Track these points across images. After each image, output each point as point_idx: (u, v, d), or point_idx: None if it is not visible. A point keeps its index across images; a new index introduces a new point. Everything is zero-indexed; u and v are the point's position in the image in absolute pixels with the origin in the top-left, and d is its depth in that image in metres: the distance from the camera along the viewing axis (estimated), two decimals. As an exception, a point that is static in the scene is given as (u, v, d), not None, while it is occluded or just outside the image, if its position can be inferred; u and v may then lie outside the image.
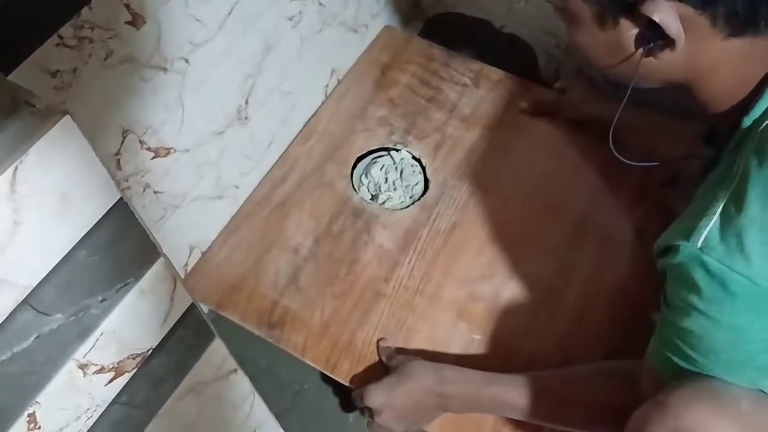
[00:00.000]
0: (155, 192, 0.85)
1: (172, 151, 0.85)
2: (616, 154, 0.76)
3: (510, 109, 1.19)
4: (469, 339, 0.98)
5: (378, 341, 0.97)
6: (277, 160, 1.13)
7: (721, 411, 0.58)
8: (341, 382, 0.95)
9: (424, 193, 1.10)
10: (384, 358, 0.94)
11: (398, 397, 0.86)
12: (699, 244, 0.57)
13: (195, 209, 0.95)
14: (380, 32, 1.28)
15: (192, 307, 0.48)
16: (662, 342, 0.66)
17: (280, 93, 1.05)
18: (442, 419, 0.90)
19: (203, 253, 1.04)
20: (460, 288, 1.02)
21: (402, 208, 1.09)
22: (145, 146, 0.80)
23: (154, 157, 0.82)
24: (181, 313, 0.47)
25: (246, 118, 0.98)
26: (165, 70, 0.78)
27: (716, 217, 0.57)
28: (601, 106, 1.08)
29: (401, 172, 1.10)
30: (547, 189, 1.10)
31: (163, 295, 0.46)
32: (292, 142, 1.14)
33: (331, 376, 0.95)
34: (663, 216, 1.05)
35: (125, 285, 0.43)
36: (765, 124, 0.59)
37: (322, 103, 1.19)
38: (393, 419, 0.87)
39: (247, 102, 0.97)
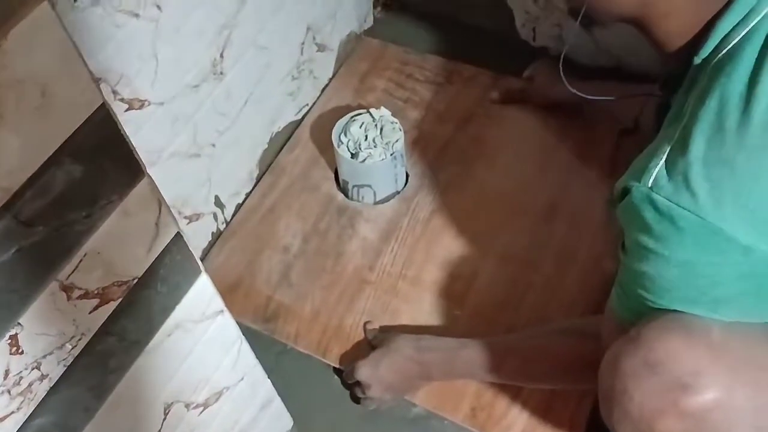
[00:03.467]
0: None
1: (146, 103, 0.83)
2: (570, 88, 0.81)
3: (482, 102, 1.25)
4: (451, 315, 1.04)
5: (365, 324, 1.04)
6: (267, 170, 1.21)
7: (692, 340, 0.59)
8: (332, 364, 1.02)
9: (405, 184, 1.17)
10: (370, 338, 1.01)
11: (383, 369, 0.93)
12: (649, 183, 0.58)
13: (171, 166, 0.92)
14: (358, 43, 1.36)
15: (178, 237, 0.48)
16: (622, 288, 0.68)
17: (255, 47, 1.03)
18: (428, 389, 0.96)
19: (201, 261, 1.12)
20: (440, 270, 1.08)
21: (383, 202, 1.15)
22: (118, 97, 0.78)
23: (128, 109, 0.80)
24: (166, 242, 0.47)
25: (221, 72, 0.96)
26: (137, 16, 0.76)
27: (665, 156, 0.58)
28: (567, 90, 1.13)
29: (381, 129, 1.09)
30: (521, 171, 1.16)
31: (147, 220, 0.45)
32: (279, 152, 1.23)
33: (323, 360, 1.03)
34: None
35: (110, 202, 0.42)
36: (713, 62, 0.60)
37: (306, 114, 1.27)
38: (381, 391, 0.94)
39: (222, 55, 0.94)
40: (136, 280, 0.46)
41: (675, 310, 0.62)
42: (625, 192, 0.62)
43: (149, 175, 0.45)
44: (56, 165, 0.39)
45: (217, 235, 1.14)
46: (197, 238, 1.09)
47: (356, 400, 0.99)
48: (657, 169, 0.58)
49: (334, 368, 1.03)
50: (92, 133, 0.40)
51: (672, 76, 0.70)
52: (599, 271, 1.04)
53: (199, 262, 0.51)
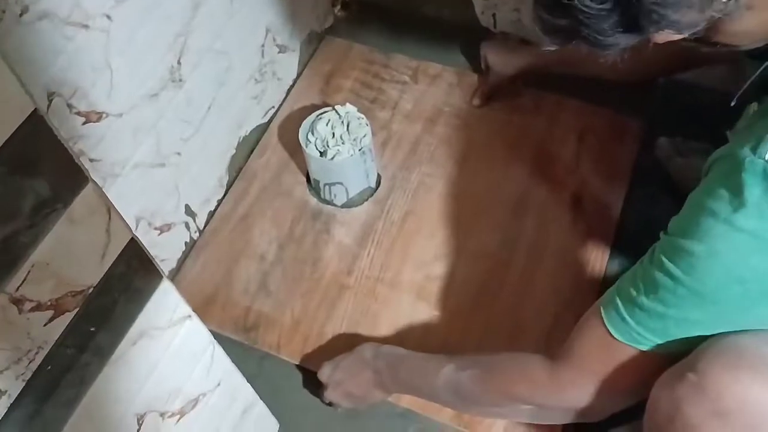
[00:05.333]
0: (91, 160, 0.82)
1: (104, 115, 0.82)
2: None
3: (449, 100, 1.26)
4: (429, 316, 1.04)
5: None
6: (237, 176, 1.20)
7: (761, 380, 0.56)
8: (315, 371, 1.01)
9: (377, 187, 1.16)
10: None
11: (341, 371, 0.92)
12: (766, 157, 0.54)
13: (136, 178, 0.91)
14: (322, 44, 1.36)
15: (132, 243, 0.47)
16: (649, 301, 0.63)
17: (213, 52, 1.02)
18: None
19: (175, 272, 1.11)
20: (416, 271, 1.08)
21: (356, 199, 1.15)
22: (74, 110, 0.77)
23: (85, 122, 0.79)
24: (120, 248, 0.46)
25: (180, 79, 0.95)
26: (87, 27, 0.75)
27: None
28: (523, 54, 1.15)
29: (347, 125, 1.09)
30: (489, 169, 1.17)
31: (96, 226, 0.44)
32: (249, 156, 1.22)
33: (306, 367, 1.02)
34: (596, 184, 1.12)
35: (53, 211, 0.41)
36: None
37: (273, 117, 1.26)
38: (338, 395, 0.92)
39: (179, 62, 0.94)
40: (91, 289, 0.44)
41: (726, 336, 0.59)
42: (721, 160, 0.58)
43: (94, 181, 0.44)
44: (-9, 176, 0.38)
45: (190, 245, 1.12)
46: (170, 249, 1.08)
47: (325, 403, 0.98)
48: None
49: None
50: (26, 141, 0.39)
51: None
52: (569, 266, 1.06)
53: (160, 267, 0.50)
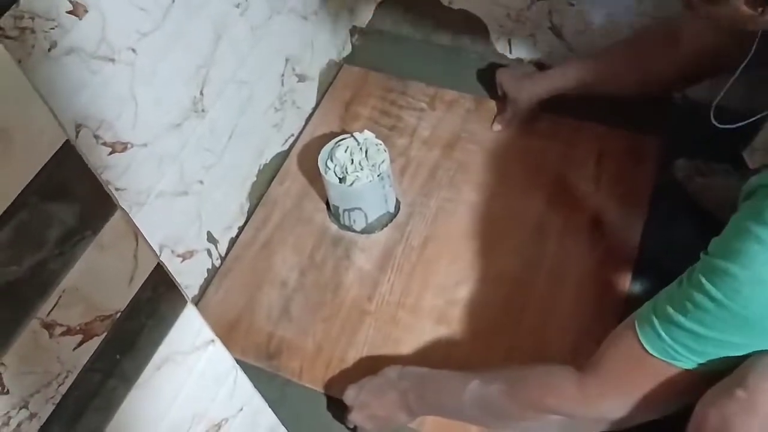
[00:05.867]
0: (117, 189, 0.84)
1: (129, 145, 0.84)
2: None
3: (466, 126, 1.27)
4: (451, 342, 1.04)
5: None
6: (258, 203, 1.22)
7: None
8: (339, 398, 1.01)
9: (396, 212, 1.17)
10: None
11: (366, 393, 0.92)
12: None
13: (160, 206, 0.93)
14: (340, 72, 1.38)
15: (159, 268, 0.48)
16: (689, 320, 0.62)
17: (235, 83, 1.04)
18: (434, 421, 0.95)
19: (197, 299, 1.12)
20: (437, 296, 1.09)
21: (375, 224, 1.16)
22: (100, 141, 0.79)
23: (111, 153, 0.81)
24: (147, 274, 0.47)
25: (203, 110, 0.97)
26: (113, 60, 0.77)
27: None
28: (538, 80, 1.17)
29: (366, 151, 1.10)
30: (507, 193, 1.17)
31: (124, 252, 0.45)
32: (270, 184, 1.23)
33: (328, 394, 1.02)
34: (615, 206, 1.12)
35: (83, 238, 0.42)
36: None
37: (293, 145, 1.28)
38: (363, 417, 0.92)
39: (202, 93, 0.96)
40: (119, 314, 0.45)
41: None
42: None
43: (123, 208, 0.45)
44: (24, 206, 0.40)
45: (213, 272, 1.14)
46: (192, 276, 1.09)
47: (349, 429, 0.97)
48: None
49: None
50: (58, 171, 0.41)
51: None
52: (590, 288, 1.05)
53: (184, 292, 0.51)
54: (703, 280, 0.61)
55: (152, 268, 0.47)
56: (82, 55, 0.73)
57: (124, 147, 0.83)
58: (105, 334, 0.45)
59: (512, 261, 1.10)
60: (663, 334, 0.64)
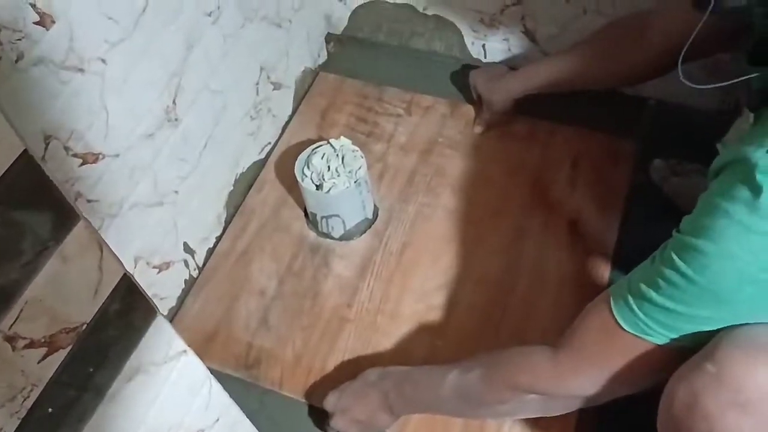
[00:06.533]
0: (89, 201, 0.83)
1: (100, 156, 0.83)
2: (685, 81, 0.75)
3: (443, 130, 1.27)
4: (432, 346, 1.04)
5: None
6: (235, 212, 1.21)
7: None
8: (319, 407, 1.00)
9: (374, 219, 1.17)
10: None
11: (347, 397, 0.91)
12: None
13: (134, 217, 0.92)
14: (316, 80, 1.38)
15: (125, 279, 0.48)
16: (660, 295, 0.63)
17: (208, 91, 1.03)
18: (416, 422, 0.95)
19: (175, 311, 1.10)
20: (417, 301, 1.08)
21: (355, 238, 1.15)
22: (71, 152, 0.78)
23: (82, 164, 0.80)
24: (113, 285, 0.47)
25: (176, 119, 0.96)
26: (82, 71, 0.76)
27: None
28: (511, 80, 1.17)
29: (342, 158, 1.10)
30: (485, 197, 1.18)
31: (89, 263, 0.45)
32: (247, 193, 1.22)
33: (309, 403, 1.01)
34: (592, 208, 1.13)
35: (45, 249, 0.42)
36: None
37: (269, 153, 1.27)
38: (344, 422, 0.91)
39: (174, 102, 0.95)
40: (85, 326, 0.45)
41: (744, 327, 0.59)
42: (733, 163, 0.58)
43: (86, 219, 0.44)
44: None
45: (190, 282, 1.13)
46: (169, 287, 1.08)
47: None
48: None
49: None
50: (17, 181, 0.40)
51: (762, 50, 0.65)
52: (570, 289, 1.05)
53: (153, 303, 0.50)
54: (674, 257, 0.61)
55: (118, 279, 0.46)
56: (51, 65, 0.72)
57: (96, 158, 0.82)
58: (71, 346, 0.44)
59: (492, 264, 1.10)
60: (636, 309, 0.65)
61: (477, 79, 1.22)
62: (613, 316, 0.67)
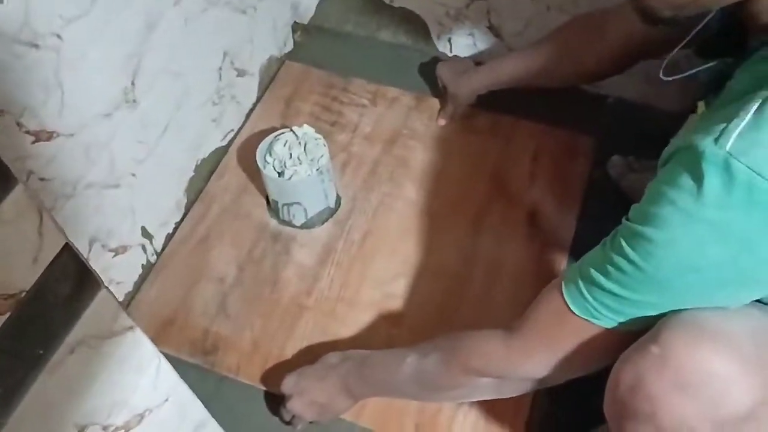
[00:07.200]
0: (41, 179, 0.81)
1: (54, 134, 0.81)
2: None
3: (407, 122, 1.28)
4: (389, 335, 1.04)
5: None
6: (196, 198, 1.20)
7: (722, 351, 0.57)
8: (276, 393, 1.00)
9: (336, 208, 1.17)
10: None
11: (305, 379, 0.91)
12: (727, 148, 0.53)
13: (89, 198, 0.90)
14: (282, 68, 1.37)
15: (68, 249, 0.46)
16: (601, 260, 0.64)
17: (169, 74, 1.02)
18: (371, 409, 0.96)
19: (132, 295, 1.09)
20: (376, 290, 1.09)
21: (315, 219, 1.15)
22: (23, 129, 0.76)
23: (35, 141, 0.78)
24: (54, 253, 0.45)
25: (134, 100, 0.95)
26: (36, 46, 0.75)
27: (747, 123, 0.54)
28: (476, 74, 1.18)
29: (305, 145, 1.09)
30: (447, 189, 1.19)
31: (27, 229, 0.43)
32: (209, 179, 1.22)
33: (266, 389, 1.01)
34: (550, 201, 1.15)
35: None
36: None
37: (232, 140, 1.27)
38: (301, 404, 0.91)
39: (133, 83, 0.93)
40: (24, 293, 0.44)
41: (692, 310, 0.61)
42: (680, 151, 0.59)
43: (24, 183, 0.43)
44: None
45: (148, 268, 1.11)
46: (126, 272, 1.06)
47: (284, 421, 0.96)
48: (737, 133, 0.54)
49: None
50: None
51: (711, 43, 0.67)
52: (526, 281, 1.07)
53: (97, 274, 0.49)
54: (623, 243, 0.62)
55: (60, 248, 0.45)
56: (4, 38, 0.70)
57: (50, 136, 0.80)
58: (9, 313, 0.43)
59: (450, 255, 1.11)
60: (585, 293, 0.66)
61: (443, 72, 1.23)
62: (564, 300, 0.68)
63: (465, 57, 1.34)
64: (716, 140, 0.54)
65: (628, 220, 0.64)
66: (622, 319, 0.65)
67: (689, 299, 0.62)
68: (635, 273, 0.61)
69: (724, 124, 0.55)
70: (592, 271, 0.65)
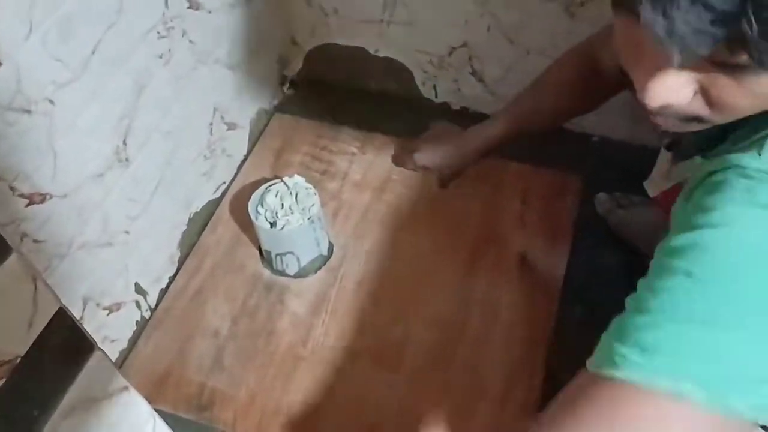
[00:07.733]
0: (35, 241, 0.82)
1: (48, 196, 0.82)
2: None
3: (396, 168, 1.29)
4: (387, 381, 1.04)
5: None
6: (189, 252, 1.20)
7: None
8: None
9: (329, 255, 1.18)
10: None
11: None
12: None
13: (83, 257, 0.91)
14: (271, 120, 1.39)
15: (61, 313, 0.47)
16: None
17: (160, 132, 1.04)
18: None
19: (126, 352, 1.09)
20: (372, 337, 1.09)
21: (310, 275, 1.16)
22: (17, 193, 0.77)
23: (28, 204, 0.79)
24: (48, 318, 0.46)
25: (126, 159, 0.96)
26: (29, 112, 0.77)
27: None
28: (454, 154, 1.07)
29: (296, 195, 1.10)
30: (438, 233, 1.20)
31: (22, 296, 0.44)
32: (201, 233, 1.22)
33: (262, 443, 1.00)
34: (541, 241, 1.16)
35: None
36: None
37: (224, 192, 1.28)
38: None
39: (125, 143, 0.95)
40: (19, 359, 0.44)
41: None
42: (716, 173, 0.50)
43: (19, 252, 0.44)
44: None
45: (142, 324, 1.11)
46: (120, 329, 1.06)
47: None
48: None
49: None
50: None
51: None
52: (520, 321, 1.07)
53: (91, 337, 0.49)
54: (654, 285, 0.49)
55: (54, 313, 0.45)
56: (-4, 106, 0.73)
57: (43, 198, 0.82)
58: (4, 380, 0.43)
59: (444, 299, 1.11)
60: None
61: (425, 159, 1.09)
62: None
63: (450, 102, 1.36)
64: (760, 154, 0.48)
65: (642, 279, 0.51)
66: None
67: None
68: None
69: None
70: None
